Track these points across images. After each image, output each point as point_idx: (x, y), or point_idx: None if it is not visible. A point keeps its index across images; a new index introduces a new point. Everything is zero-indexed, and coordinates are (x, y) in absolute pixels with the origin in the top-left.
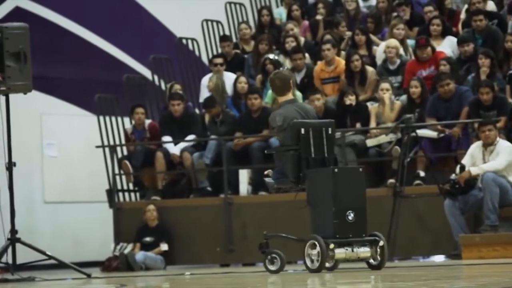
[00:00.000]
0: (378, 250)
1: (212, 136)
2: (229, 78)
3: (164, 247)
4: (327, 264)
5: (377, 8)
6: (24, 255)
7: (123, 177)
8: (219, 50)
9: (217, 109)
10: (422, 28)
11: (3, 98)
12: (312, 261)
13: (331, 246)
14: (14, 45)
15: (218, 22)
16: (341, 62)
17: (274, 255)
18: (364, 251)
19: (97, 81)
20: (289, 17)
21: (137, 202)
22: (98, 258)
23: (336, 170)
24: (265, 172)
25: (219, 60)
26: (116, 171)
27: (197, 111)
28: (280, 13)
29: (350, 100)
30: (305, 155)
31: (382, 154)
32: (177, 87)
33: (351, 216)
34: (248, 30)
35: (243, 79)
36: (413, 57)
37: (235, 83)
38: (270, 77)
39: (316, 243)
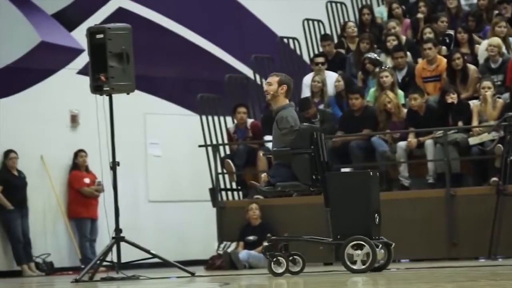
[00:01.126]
0: (387, 252)
1: None
2: (330, 77)
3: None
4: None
5: (478, 6)
6: (128, 254)
7: (226, 176)
8: (320, 49)
9: (313, 109)
10: None
11: (106, 98)
12: (353, 262)
13: (379, 247)
14: (117, 45)
15: (319, 21)
16: (442, 60)
17: (278, 259)
18: (381, 253)
19: (200, 81)
20: (390, 15)
21: (240, 200)
22: (202, 256)
23: (371, 173)
24: (264, 179)
25: (320, 59)
26: (219, 170)
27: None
28: (381, 11)
29: (452, 98)
30: (318, 158)
31: (485, 152)
32: None
33: (377, 218)
34: (355, 28)
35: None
36: None
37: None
38: (288, 80)
39: (365, 243)
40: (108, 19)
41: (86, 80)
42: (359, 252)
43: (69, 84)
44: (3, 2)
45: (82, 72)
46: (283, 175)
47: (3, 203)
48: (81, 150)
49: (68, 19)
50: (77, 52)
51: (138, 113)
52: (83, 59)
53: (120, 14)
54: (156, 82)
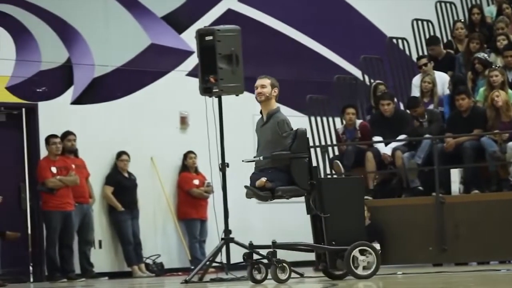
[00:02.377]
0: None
1: (426, 136)
2: (440, 77)
3: (376, 246)
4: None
5: None
6: (238, 255)
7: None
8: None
9: (421, 109)
10: None
11: (215, 99)
12: (356, 267)
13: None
14: (226, 47)
15: (428, 21)
16: None
17: (259, 265)
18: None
19: (308, 82)
20: (500, 15)
21: None
22: (311, 257)
23: (361, 179)
24: (266, 185)
25: (423, 61)
26: (328, 171)
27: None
28: (491, 11)
29: None
30: (311, 163)
31: None
32: (382, 88)
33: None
34: (464, 29)
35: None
36: None
37: None
38: (277, 83)
39: (369, 249)
40: (218, 21)
41: (195, 82)
42: (363, 257)
43: (178, 86)
44: (114, 5)
45: (191, 74)
46: (282, 179)
47: (114, 205)
48: (190, 152)
49: (178, 21)
50: (187, 54)
51: (247, 114)
52: (192, 61)
53: (229, 16)
54: None
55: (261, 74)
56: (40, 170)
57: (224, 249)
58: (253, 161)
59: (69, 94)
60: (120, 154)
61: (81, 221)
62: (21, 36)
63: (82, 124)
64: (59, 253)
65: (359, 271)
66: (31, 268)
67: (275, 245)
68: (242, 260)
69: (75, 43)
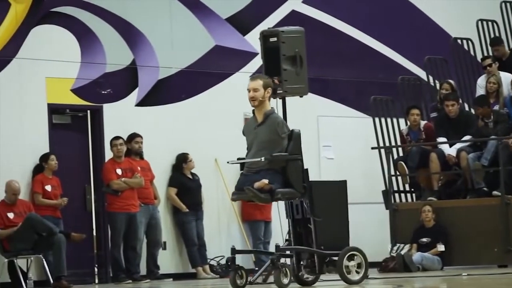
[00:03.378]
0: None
1: (492, 137)
2: (505, 78)
3: (441, 247)
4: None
5: None
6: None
7: (399, 178)
8: None
9: (486, 109)
10: None
11: (279, 101)
12: (348, 272)
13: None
14: (290, 48)
15: (493, 21)
16: None
17: (241, 270)
18: None
19: (372, 83)
20: None
21: (413, 203)
22: (375, 258)
23: (344, 183)
24: (265, 187)
25: (488, 62)
26: (392, 172)
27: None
28: None
29: None
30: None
31: None
32: (446, 86)
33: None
34: None
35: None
36: None
37: None
38: (270, 81)
39: (359, 254)
40: (281, 22)
41: None
42: (352, 262)
43: (242, 87)
44: (179, 7)
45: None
46: (279, 181)
47: (178, 206)
48: None
49: (242, 23)
50: (251, 55)
51: (311, 115)
52: (256, 63)
53: (293, 17)
54: (329, 84)
55: (326, 75)
56: (105, 172)
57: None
58: (240, 162)
59: (134, 96)
60: (183, 155)
61: (148, 222)
62: (86, 39)
63: (146, 125)
64: (123, 254)
65: (351, 276)
66: (96, 269)
67: (278, 249)
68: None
69: (140, 45)
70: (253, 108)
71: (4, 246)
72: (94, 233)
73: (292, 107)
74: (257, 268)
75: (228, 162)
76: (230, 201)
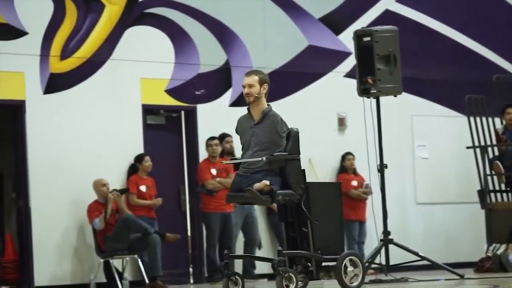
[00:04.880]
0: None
1: None
2: None
3: None
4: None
5: None
6: (397, 256)
7: (495, 178)
8: None
9: None
10: None
11: (373, 100)
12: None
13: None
14: (384, 48)
15: None
16: None
17: (235, 276)
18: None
19: (467, 82)
20: None
21: (509, 202)
22: (471, 259)
23: (339, 184)
24: (265, 188)
25: None
26: (488, 171)
27: None
28: None
29: None
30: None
31: None
32: None
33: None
34: None
35: None
36: None
37: None
38: (267, 77)
39: (356, 259)
40: (375, 22)
41: (353, 83)
42: (350, 268)
43: (336, 87)
44: (272, 7)
45: (349, 75)
46: (278, 182)
47: (272, 206)
48: (348, 153)
49: (335, 22)
50: (344, 55)
51: (405, 115)
52: (350, 62)
53: (387, 16)
54: (423, 84)
55: (420, 74)
56: (200, 172)
57: (383, 251)
58: (237, 162)
59: (228, 97)
60: None
61: (244, 221)
62: (180, 39)
63: None
64: (219, 254)
65: (348, 281)
66: (191, 269)
67: (280, 253)
68: (403, 262)
69: (233, 46)
70: (247, 106)
71: (100, 246)
72: (189, 233)
73: (386, 107)
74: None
75: (222, 163)
76: None
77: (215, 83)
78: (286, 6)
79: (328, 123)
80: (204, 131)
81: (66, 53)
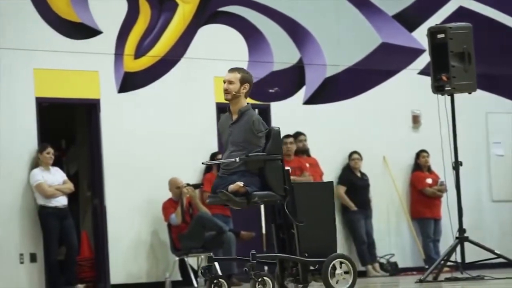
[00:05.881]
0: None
1: None
2: None
3: None
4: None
5: None
6: (473, 254)
7: None
8: None
9: None
10: None
11: (448, 98)
12: (336, 281)
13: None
14: (458, 45)
15: None
16: None
17: (218, 280)
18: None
19: None
20: None
21: None
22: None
23: (331, 184)
24: (240, 190)
25: None
26: None
27: None
28: None
29: None
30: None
31: None
32: None
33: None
34: None
35: None
36: None
37: None
38: (250, 77)
39: (346, 261)
40: (449, 19)
41: (427, 80)
42: (339, 270)
43: (410, 85)
44: (345, 4)
45: (423, 72)
46: (256, 183)
47: (347, 204)
48: (423, 151)
49: (409, 19)
50: (418, 52)
51: (480, 112)
52: (424, 60)
53: (461, 13)
54: (498, 80)
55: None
56: None
57: (458, 248)
58: (215, 163)
59: (301, 94)
60: (351, 153)
61: None
62: (254, 38)
63: (314, 124)
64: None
65: (339, 285)
66: (265, 267)
67: (254, 257)
68: (477, 260)
69: (306, 44)
70: (227, 101)
71: (175, 244)
72: (263, 232)
73: (460, 104)
74: (427, 266)
75: (202, 163)
76: (399, 199)
77: (288, 81)
78: (360, 3)
79: (402, 120)
80: None
81: (140, 52)
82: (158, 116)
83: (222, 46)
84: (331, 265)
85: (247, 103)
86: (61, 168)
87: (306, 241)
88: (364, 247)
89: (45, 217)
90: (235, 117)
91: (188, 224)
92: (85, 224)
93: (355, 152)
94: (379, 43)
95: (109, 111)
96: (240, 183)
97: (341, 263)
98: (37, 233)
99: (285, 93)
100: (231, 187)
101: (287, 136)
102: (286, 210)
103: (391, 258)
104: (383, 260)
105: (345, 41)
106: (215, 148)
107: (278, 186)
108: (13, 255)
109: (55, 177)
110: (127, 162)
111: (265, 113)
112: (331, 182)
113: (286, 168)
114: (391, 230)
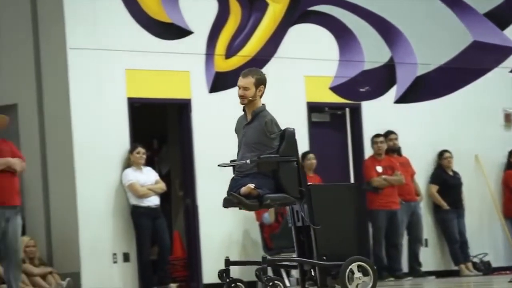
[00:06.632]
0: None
1: None
2: None
3: None
4: None
5: None
6: None
7: None
8: None
9: None
10: None
11: None
12: (356, 285)
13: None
14: None
15: None
16: None
17: (236, 284)
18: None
19: None
20: None
21: None
22: None
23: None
24: (252, 192)
25: None
26: None
27: None
28: None
29: None
30: (301, 168)
31: None
32: None
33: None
34: None
35: None
36: None
37: None
38: (264, 77)
39: (366, 265)
40: None
41: None
42: (359, 274)
43: (502, 83)
44: (437, 3)
45: None
46: (269, 185)
47: (440, 203)
48: None
49: (500, 17)
50: (510, 50)
51: None
52: None
53: None
54: None
55: None
56: (366, 169)
57: None
58: (232, 165)
59: (392, 93)
60: (442, 152)
61: (409, 219)
62: (344, 37)
63: (405, 122)
64: (385, 251)
65: None
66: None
67: (264, 261)
68: None
69: (397, 42)
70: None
71: (267, 243)
72: None
73: None
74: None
75: (219, 165)
76: (492, 198)
77: (379, 80)
78: (450, 2)
79: (494, 119)
80: (369, 128)
81: (231, 52)
82: None
83: (312, 46)
84: (348, 269)
85: (262, 104)
86: (153, 168)
87: (324, 244)
88: (457, 246)
89: (138, 217)
90: (249, 118)
91: (279, 223)
92: (177, 223)
93: (446, 150)
94: (471, 41)
95: (200, 111)
96: (252, 185)
97: (360, 266)
98: (130, 233)
99: (376, 92)
100: (243, 189)
101: (377, 135)
102: (302, 213)
103: (484, 257)
104: (476, 260)
105: (436, 40)
106: (305, 147)
107: (292, 188)
108: (106, 255)
109: (148, 177)
110: (218, 161)
111: (356, 112)
112: (353, 184)
113: (378, 167)
114: (484, 229)
